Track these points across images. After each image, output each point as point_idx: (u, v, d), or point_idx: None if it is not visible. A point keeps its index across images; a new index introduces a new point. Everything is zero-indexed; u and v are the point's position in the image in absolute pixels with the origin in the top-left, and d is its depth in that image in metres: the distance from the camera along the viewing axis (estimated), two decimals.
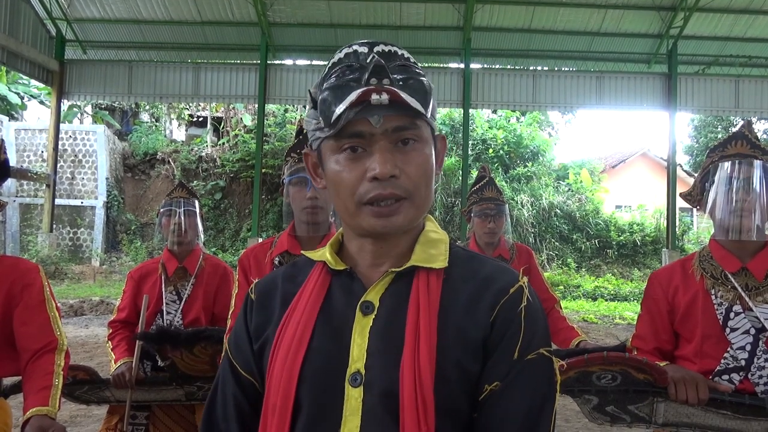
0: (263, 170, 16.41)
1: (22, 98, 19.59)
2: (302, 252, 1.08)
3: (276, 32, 15.69)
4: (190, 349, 2.51)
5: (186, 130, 23.64)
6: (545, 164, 19.69)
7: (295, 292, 0.99)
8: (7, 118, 18.23)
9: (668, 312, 1.97)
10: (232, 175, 19.15)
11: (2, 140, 2.03)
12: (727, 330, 1.83)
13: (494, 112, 20.48)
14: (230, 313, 2.17)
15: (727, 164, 1.87)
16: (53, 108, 15.65)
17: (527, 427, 0.86)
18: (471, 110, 16.25)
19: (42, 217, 16.05)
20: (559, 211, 18.30)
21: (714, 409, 1.78)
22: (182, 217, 2.94)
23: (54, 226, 16.13)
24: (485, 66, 16.57)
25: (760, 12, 14.73)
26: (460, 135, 16.23)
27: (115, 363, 2.74)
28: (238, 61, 16.42)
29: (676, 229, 16.12)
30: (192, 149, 19.93)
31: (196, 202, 3.05)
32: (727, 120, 24.41)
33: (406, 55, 0.95)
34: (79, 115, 21.49)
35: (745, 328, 1.81)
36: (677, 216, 16.22)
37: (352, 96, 0.87)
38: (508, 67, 16.46)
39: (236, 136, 20.02)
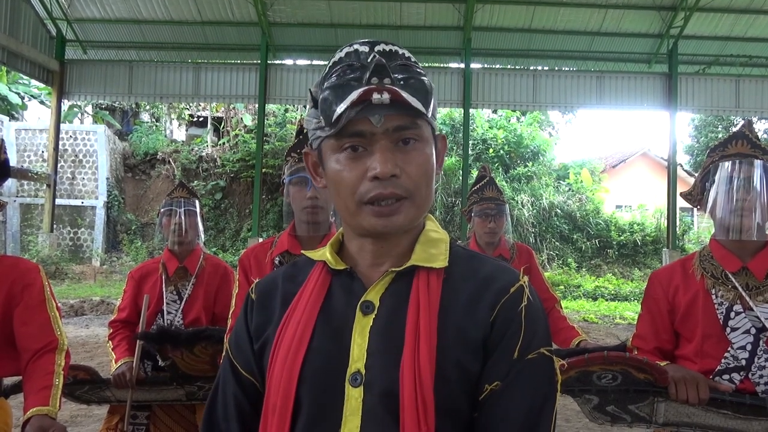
0: (263, 170, 16.41)
1: (22, 98, 19.59)
2: (302, 252, 1.08)
3: (276, 32, 15.69)
4: (190, 348, 2.51)
5: (186, 130, 23.65)
6: (545, 164, 19.69)
7: (296, 292, 0.99)
8: (8, 118, 18.23)
9: (669, 312, 1.97)
10: (232, 175, 19.15)
11: (2, 140, 2.03)
12: (728, 330, 1.83)
13: (494, 111, 20.48)
14: (231, 312, 2.18)
15: (727, 164, 1.87)
16: (53, 108, 15.66)
17: (527, 427, 0.86)
18: (471, 110, 16.25)
19: (42, 217, 16.05)
20: (559, 211, 18.30)
21: (714, 408, 1.78)
22: (183, 217, 2.94)
23: (54, 226, 16.14)
24: (485, 66, 16.57)
25: (760, 12, 14.73)
26: (461, 135, 16.23)
27: (115, 363, 2.74)
28: (239, 61, 16.43)
29: (677, 229, 16.12)
30: (192, 149, 19.93)
31: (197, 201, 3.05)
32: (727, 120, 24.40)
33: (407, 54, 0.95)
34: (79, 115, 21.50)
35: (745, 328, 1.81)
36: (678, 216, 16.22)
37: (353, 95, 0.87)
38: (509, 66, 16.46)
39: (236, 136, 20.02)
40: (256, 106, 16.10)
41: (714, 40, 15.75)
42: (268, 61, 15.44)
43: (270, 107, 18.51)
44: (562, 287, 14.61)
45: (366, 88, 0.87)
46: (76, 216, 17.66)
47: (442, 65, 16.65)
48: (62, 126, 16.49)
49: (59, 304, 2.09)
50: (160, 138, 20.66)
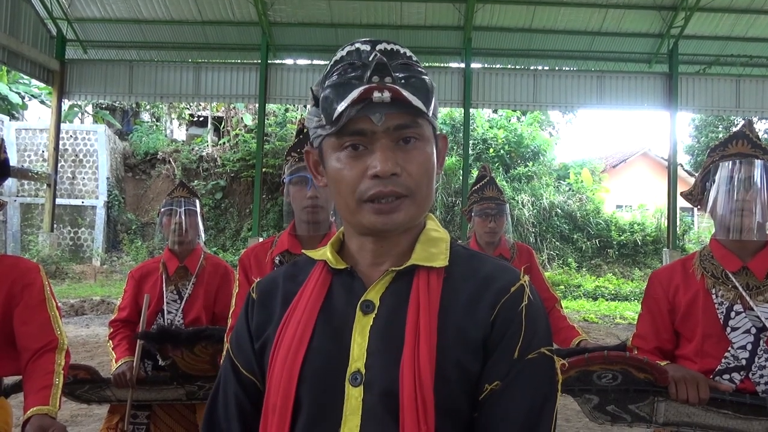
0: (264, 170, 16.41)
1: (22, 98, 19.59)
2: (303, 251, 1.08)
3: (277, 32, 15.69)
4: (190, 348, 2.51)
5: (187, 130, 23.65)
6: (546, 164, 19.69)
7: (296, 292, 0.99)
8: (8, 117, 18.23)
9: (669, 311, 1.97)
10: (232, 175, 19.15)
11: (2, 139, 2.03)
12: (728, 329, 1.83)
13: (495, 111, 20.48)
14: (231, 312, 2.18)
15: (727, 164, 1.87)
16: (54, 108, 15.66)
17: (528, 427, 0.85)
18: (471, 110, 16.24)
19: (43, 217, 16.05)
20: (559, 211, 18.29)
21: (715, 408, 1.78)
22: (183, 217, 2.95)
23: (55, 225, 16.14)
24: (486, 65, 16.57)
25: (761, 12, 14.72)
26: (461, 134, 16.23)
27: (116, 362, 2.75)
28: (239, 61, 16.43)
29: (677, 229, 16.11)
30: (193, 149, 19.93)
31: (197, 201, 3.05)
32: (728, 120, 24.38)
33: (409, 53, 0.95)
34: (79, 114, 21.50)
35: (745, 328, 1.81)
36: (678, 216, 16.21)
37: (354, 93, 0.87)
38: (509, 66, 16.46)
39: (237, 135, 20.02)
40: (257, 105, 16.09)
41: (714, 40, 15.75)
42: (269, 61, 15.44)
43: (270, 107, 18.51)
44: (563, 287, 14.61)
45: (367, 86, 0.87)
46: (76, 216, 17.66)
47: (442, 65, 16.65)
48: (62, 126, 16.49)
49: (59, 304, 2.09)
50: (160, 138, 20.66)
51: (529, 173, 18.91)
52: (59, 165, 16.43)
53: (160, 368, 2.75)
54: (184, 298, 2.88)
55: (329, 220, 2.12)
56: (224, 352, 2.14)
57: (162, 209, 3.04)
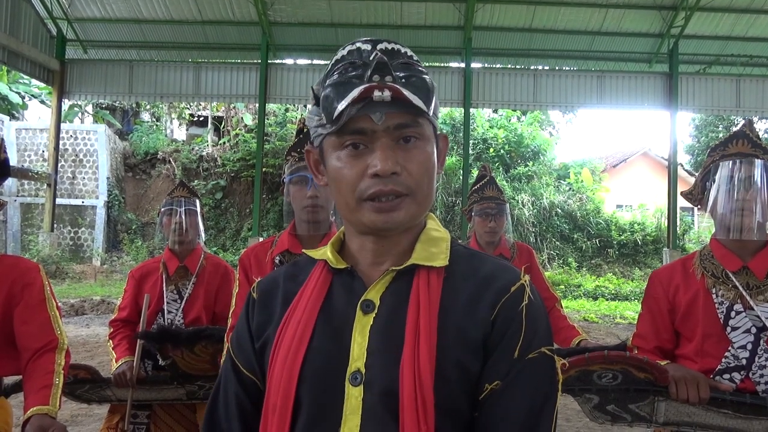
0: (264, 169, 16.41)
1: (23, 98, 19.59)
2: (303, 251, 1.08)
3: (277, 31, 15.69)
4: (191, 348, 2.51)
5: (187, 130, 23.65)
6: (546, 164, 19.69)
7: (297, 291, 0.99)
8: (8, 117, 18.23)
9: (669, 311, 1.97)
10: (232, 175, 19.15)
11: (2, 139, 2.03)
12: (728, 329, 1.83)
13: (495, 111, 20.47)
14: (231, 312, 2.18)
15: (728, 163, 1.87)
16: (54, 107, 15.66)
17: (528, 427, 0.85)
18: (472, 109, 16.24)
19: (43, 217, 16.05)
20: (559, 211, 18.29)
21: (715, 408, 1.77)
22: (183, 217, 2.95)
23: (55, 225, 16.14)
24: (486, 65, 16.57)
25: (761, 11, 14.71)
26: (461, 134, 16.23)
27: (116, 362, 2.75)
28: (239, 61, 16.43)
29: (677, 229, 16.11)
30: (193, 149, 19.93)
31: (197, 201, 3.06)
32: (728, 119, 24.37)
33: (409, 53, 0.95)
34: (79, 114, 21.50)
35: (746, 327, 1.81)
36: (678, 215, 16.21)
37: (355, 92, 0.87)
38: (509, 66, 16.45)
39: (237, 135, 20.02)
40: (257, 105, 16.09)
41: (715, 39, 15.74)
42: (269, 61, 15.44)
43: (270, 107, 18.51)
44: (563, 287, 14.61)
45: (367, 85, 0.87)
46: (76, 215, 17.66)
47: (442, 65, 16.65)
48: (63, 125, 16.49)
49: (59, 304, 2.09)
50: (160, 137, 20.66)
51: (530, 173, 18.91)
52: (59, 165, 16.43)
53: (160, 368, 2.75)
54: (185, 298, 2.88)
55: (329, 220, 2.11)
56: (224, 352, 2.14)
57: (162, 209, 3.04)
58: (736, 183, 1.84)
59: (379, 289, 0.93)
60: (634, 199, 21.30)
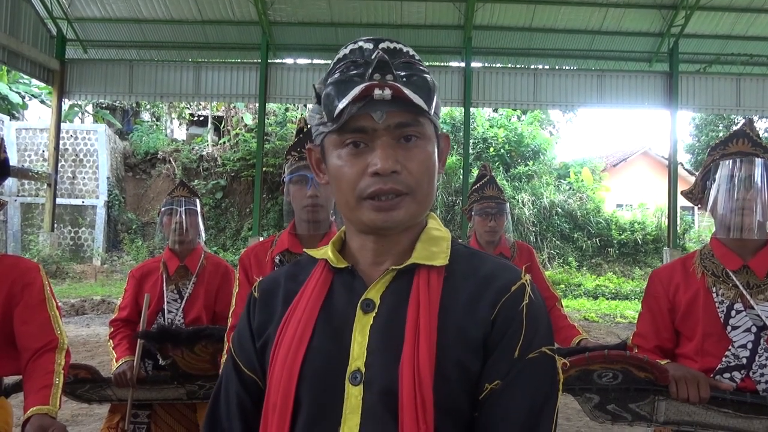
0: (264, 169, 16.41)
1: (23, 98, 19.59)
2: (304, 250, 1.08)
3: (277, 31, 15.69)
4: (191, 347, 2.51)
5: (187, 130, 23.64)
6: (546, 163, 19.68)
7: (297, 291, 0.99)
8: (8, 117, 18.23)
9: (669, 310, 1.97)
10: (233, 174, 19.15)
11: (2, 139, 2.03)
12: (729, 328, 1.83)
13: (495, 110, 20.47)
14: (231, 311, 2.18)
15: (728, 162, 1.87)
16: (54, 107, 15.66)
17: (528, 427, 0.85)
18: (472, 109, 16.24)
19: (43, 217, 16.06)
20: (560, 210, 18.29)
21: (715, 407, 1.77)
22: (183, 216, 2.95)
23: (55, 225, 16.14)
24: (486, 64, 16.57)
25: (761, 10, 14.71)
26: (461, 134, 16.23)
27: (116, 362, 2.75)
28: (239, 60, 16.43)
29: (678, 228, 16.10)
30: (193, 148, 19.93)
31: (197, 201, 3.06)
32: (728, 118, 24.35)
33: (411, 52, 0.95)
34: (80, 114, 21.50)
35: (746, 326, 1.81)
36: (678, 214, 16.20)
37: (355, 90, 0.87)
38: (509, 65, 16.45)
39: (237, 135, 20.02)
40: (257, 105, 16.09)
41: (715, 38, 15.73)
42: (269, 60, 15.43)
43: (270, 106, 18.51)
44: (563, 286, 14.61)
45: (368, 83, 0.87)
46: (76, 215, 17.67)
47: (442, 64, 16.63)
48: (63, 125, 16.48)
49: (59, 304, 2.09)
50: (160, 137, 20.66)
51: (530, 172, 18.91)
52: (59, 165, 16.43)
53: (160, 368, 2.75)
54: (185, 298, 2.89)
55: (329, 219, 2.11)
56: (225, 352, 2.14)
57: (162, 209, 3.04)
58: (736, 182, 1.84)
59: (380, 289, 0.93)
60: (634, 198, 21.29)
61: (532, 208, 17.97)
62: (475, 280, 0.93)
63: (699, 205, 2.03)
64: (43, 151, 17.45)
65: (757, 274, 1.84)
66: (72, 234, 17.61)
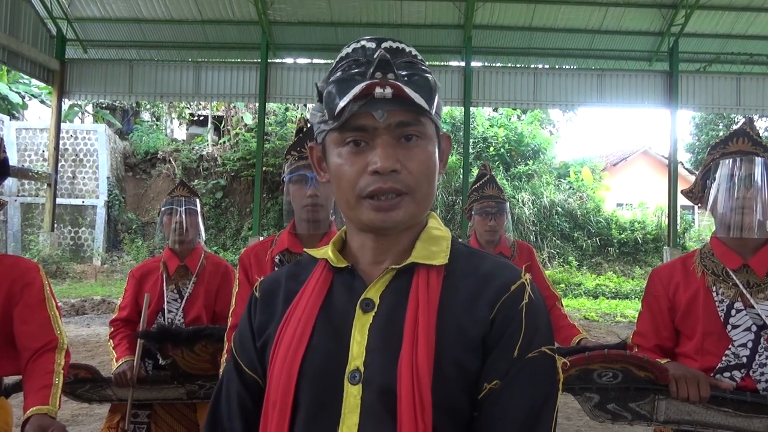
0: (264, 169, 16.41)
1: (23, 98, 19.59)
2: (305, 250, 1.08)
3: (276, 31, 15.68)
4: (191, 347, 2.51)
5: (187, 129, 23.64)
6: (546, 162, 19.67)
7: (298, 290, 0.99)
8: (8, 117, 18.23)
9: (669, 309, 1.97)
10: (233, 174, 19.15)
11: (1, 138, 2.03)
12: (729, 327, 1.83)
13: (495, 110, 20.46)
14: (231, 311, 2.18)
15: (728, 161, 1.87)
16: (54, 107, 15.66)
17: (527, 426, 0.85)
18: (472, 108, 16.23)
19: (43, 217, 16.06)
20: (560, 209, 18.28)
21: (715, 406, 1.77)
22: (183, 216, 2.95)
23: (55, 225, 16.14)
24: (486, 64, 16.56)
25: (761, 9, 14.70)
26: (461, 133, 16.22)
27: (116, 361, 2.75)
28: (239, 60, 16.42)
29: (678, 227, 16.10)
30: (193, 148, 19.93)
31: (197, 200, 3.06)
32: (728, 118, 24.35)
33: (414, 52, 0.95)
34: (80, 114, 21.49)
35: (746, 325, 1.81)
36: (678, 214, 16.20)
37: (356, 89, 0.87)
38: (509, 65, 16.44)
39: (237, 134, 20.02)
40: (257, 104, 16.09)
41: (715, 37, 15.72)
42: (269, 60, 15.43)
43: (270, 106, 18.50)
44: (563, 285, 14.61)
45: (369, 82, 0.87)
46: (76, 215, 17.67)
47: (442, 63, 16.63)
48: (63, 125, 16.48)
49: (59, 304, 2.09)
50: (160, 137, 20.66)
51: (530, 172, 18.90)
52: (59, 165, 16.42)
53: (160, 367, 2.75)
54: (185, 298, 2.89)
55: (329, 219, 2.11)
56: (224, 351, 2.14)
57: (162, 208, 3.05)
58: (736, 181, 1.84)
59: (379, 288, 0.93)
60: (634, 197, 21.29)
61: (532, 207, 17.97)
62: (474, 279, 0.93)
63: (699, 204, 2.03)
64: (43, 151, 17.45)
65: (757, 273, 1.84)
66: (72, 234, 17.61)
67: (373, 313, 0.91)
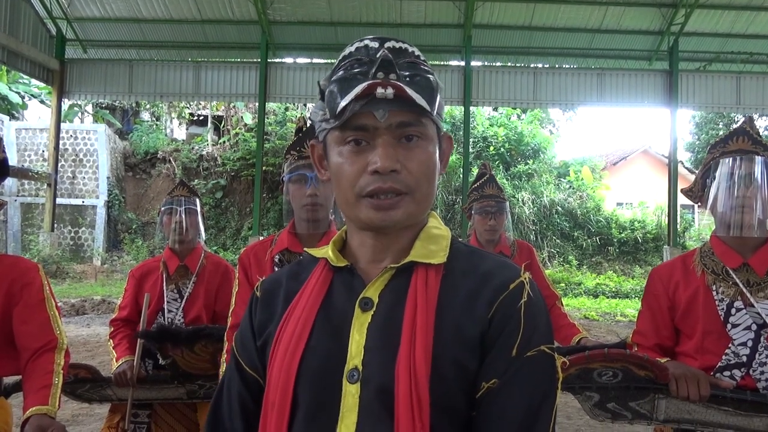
0: (264, 168, 16.41)
1: (22, 98, 19.59)
2: (305, 249, 1.08)
3: (276, 30, 15.68)
4: (190, 347, 2.51)
5: (187, 129, 23.64)
6: (546, 161, 19.67)
7: (298, 290, 0.99)
8: (8, 117, 18.23)
9: (669, 308, 1.97)
10: (232, 174, 19.15)
11: (1, 138, 2.03)
12: (729, 326, 1.83)
13: (495, 109, 20.45)
14: (231, 311, 2.18)
15: (728, 160, 1.87)
16: (54, 107, 15.65)
17: (526, 426, 0.84)
18: (472, 108, 16.23)
19: (43, 217, 16.06)
20: (560, 209, 18.28)
21: (715, 405, 1.77)
22: (183, 216, 2.95)
23: (55, 225, 16.14)
24: (486, 63, 16.55)
25: (761, 8, 14.69)
26: (461, 132, 16.22)
27: (116, 361, 2.75)
28: (239, 60, 16.41)
29: (678, 226, 16.10)
30: (193, 148, 19.93)
31: (197, 200, 3.06)
32: (728, 117, 24.36)
33: (417, 52, 0.95)
34: (79, 114, 21.49)
35: (746, 324, 1.81)
36: (678, 213, 16.20)
37: (358, 88, 0.87)
38: (509, 64, 16.44)
39: (237, 134, 20.01)
40: (257, 104, 16.09)
41: (715, 36, 15.72)
42: (268, 60, 15.43)
43: (270, 105, 18.50)
44: (563, 285, 14.61)
45: (371, 82, 0.87)
46: (76, 215, 17.67)
47: (442, 63, 16.62)
48: (62, 125, 16.48)
49: (59, 303, 2.09)
50: (160, 137, 20.66)
51: (530, 171, 18.90)
52: (59, 165, 16.42)
53: (160, 367, 2.75)
54: (185, 297, 2.89)
55: (329, 219, 2.11)
56: (224, 351, 2.14)
57: (162, 208, 3.05)
58: (736, 180, 1.84)
59: (378, 287, 0.93)
60: (634, 196, 21.29)
61: (532, 206, 17.97)
62: (474, 278, 0.93)
63: (699, 203, 2.03)
64: (43, 151, 17.45)
65: (757, 272, 1.84)
66: (72, 234, 17.62)
67: (372, 312, 0.91)
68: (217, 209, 18.76)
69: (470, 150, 16.67)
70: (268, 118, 18.61)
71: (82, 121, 21.41)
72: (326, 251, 1.00)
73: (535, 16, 15.13)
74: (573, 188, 19.15)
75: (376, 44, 0.92)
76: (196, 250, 3.00)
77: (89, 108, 21.58)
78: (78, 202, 17.75)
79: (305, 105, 18.80)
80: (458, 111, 18.30)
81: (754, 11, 14.85)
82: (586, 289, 14.59)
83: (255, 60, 15.62)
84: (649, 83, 15.46)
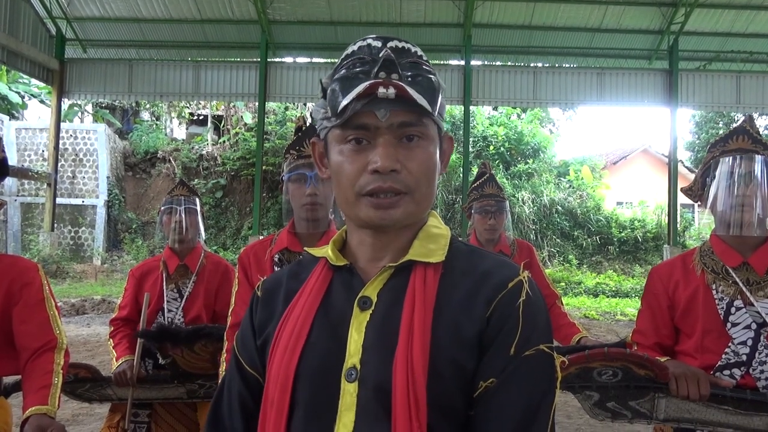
0: (264, 168, 16.41)
1: (22, 97, 19.59)
2: (305, 249, 1.08)
3: (276, 30, 15.68)
4: (190, 346, 2.51)
5: (186, 129, 23.64)
6: (546, 161, 19.67)
7: (298, 289, 0.99)
8: (8, 117, 18.23)
9: (668, 307, 1.97)
10: (232, 174, 19.15)
11: (1, 138, 2.03)
12: (728, 325, 1.83)
13: (495, 108, 20.46)
14: (230, 310, 2.18)
15: (728, 159, 1.87)
16: (54, 107, 15.66)
17: (524, 425, 0.84)
18: (471, 107, 16.23)
19: (43, 217, 16.06)
20: (560, 208, 18.29)
21: (715, 404, 1.77)
22: (183, 215, 2.95)
23: (55, 225, 16.15)
24: (486, 63, 16.55)
25: (761, 8, 14.69)
26: (461, 132, 16.22)
27: (116, 361, 2.75)
28: (239, 59, 16.41)
29: (678, 225, 16.11)
30: (193, 147, 19.93)
31: (197, 200, 3.06)
32: (728, 116, 24.35)
33: (419, 53, 0.95)
34: (79, 114, 21.49)
35: (746, 323, 1.81)
36: (678, 212, 16.20)
37: (360, 88, 0.87)
38: (509, 63, 16.44)
39: (237, 134, 20.02)
40: (257, 104, 16.09)
41: (715, 36, 15.72)
42: (268, 59, 15.43)
43: (270, 105, 18.51)
44: (563, 284, 14.61)
45: (372, 81, 0.87)
46: (76, 215, 17.67)
47: (442, 62, 16.62)
48: (62, 125, 16.48)
49: (59, 303, 2.09)
50: (160, 136, 20.66)
51: (530, 170, 18.90)
52: (59, 164, 16.43)
53: (160, 367, 2.75)
54: (185, 297, 2.89)
55: (328, 218, 2.11)
56: (224, 350, 2.14)
57: (162, 208, 3.05)
58: (736, 179, 1.84)
59: (377, 286, 0.93)
60: (634, 196, 21.29)
61: (532, 206, 17.97)
62: (473, 277, 0.93)
63: (699, 202, 2.03)
64: (43, 150, 17.45)
65: (757, 271, 1.84)
66: (72, 234, 17.62)
67: (371, 311, 0.91)
68: (217, 209, 18.76)
69: (470, 149, 16.68)
70: (267, 117, 18.62)
71: (82, 121, 21.41)
72: (326, 250, 1.00)
73: (535, 16, 15.13)
74: (573, 187, 19.16)
75: (378, 44, 0.93)
76: (196, 250, 3.00)
77: (89, 108, 21.58)
78: (78, 201, 17.75)
79: (305, 104, 18.81)
80: (458, 110, 18.30)
81: (754, 10, 14.85)
82: (586, 289, 14.60)
83: (255, 59, 15.62)
84: (649, 82, 15.46)
